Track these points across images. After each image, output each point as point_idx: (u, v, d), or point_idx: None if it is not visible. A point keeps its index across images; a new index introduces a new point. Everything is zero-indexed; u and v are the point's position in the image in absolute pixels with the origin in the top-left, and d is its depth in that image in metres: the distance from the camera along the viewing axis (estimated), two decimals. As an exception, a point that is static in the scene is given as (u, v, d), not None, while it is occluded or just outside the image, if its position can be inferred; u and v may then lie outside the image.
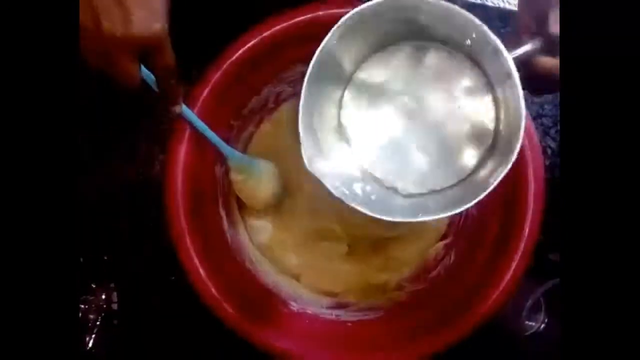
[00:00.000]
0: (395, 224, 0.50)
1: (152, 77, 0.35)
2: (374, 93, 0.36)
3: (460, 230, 0.50)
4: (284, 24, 0.42)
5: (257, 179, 0.48)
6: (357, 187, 0.35)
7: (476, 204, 0.48)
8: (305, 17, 0.42)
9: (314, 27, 0.43)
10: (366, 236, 0.51)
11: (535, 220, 0.42)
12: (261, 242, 0.51)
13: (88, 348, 0.54)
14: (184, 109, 0.39)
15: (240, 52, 0.42)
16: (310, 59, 0.46)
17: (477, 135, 0.35)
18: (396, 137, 0.36)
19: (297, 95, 0.52)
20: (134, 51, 0.32)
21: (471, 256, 0.47)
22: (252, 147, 0.53)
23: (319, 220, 0.51)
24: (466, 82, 0.35)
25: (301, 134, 0.33)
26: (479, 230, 0.47)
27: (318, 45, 0.45)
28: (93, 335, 0.54)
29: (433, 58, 0.35)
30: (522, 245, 0.42)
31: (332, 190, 0.32)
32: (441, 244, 0.52)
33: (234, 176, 0.47)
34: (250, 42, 0.42)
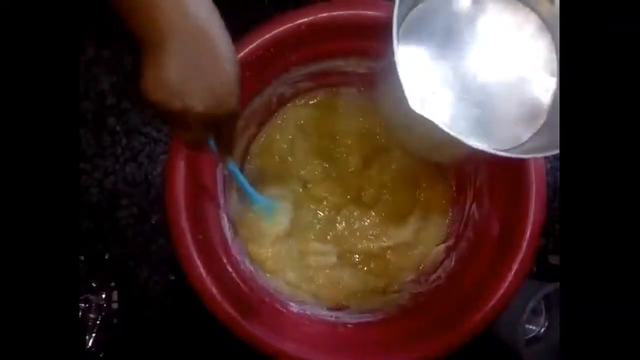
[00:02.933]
0: (395, 233, 0.51)
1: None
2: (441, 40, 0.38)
3: (461, 233, 0.50)
4: (287, 26, 0.42)
5: (272, 223, 0.50)
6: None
7: (477, 206, 0.48)
8: (308, 19, 0.42)
9: (316, 29, 0.43)
10: (358, 250, 0.52)
11: (537, 224, 0.41)
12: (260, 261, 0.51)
13: (88, 347, 0.54)
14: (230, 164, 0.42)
15: (242, 53, 0.42)
16: (312, 60, 0.47)
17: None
18: (470, 89, 0.38)
19: (299, 95, 0.53)
20: (208, 123, 0.34)
21: (472, 260, 0.47)
22: (254, 149, 0.53)
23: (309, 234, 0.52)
24: (528, 28, 0.37)
25: (404, 82, 0.34)
26: (479, 234, 0.47)
27: (319, 48, 0.45)
28: (93, 335, 0.54)
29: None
30: (523, 249, 0.41)
31: (444, 128, 0.33)
32: (442, 246, 0.52)
33: (249, 215, 0.49)
34: (252, 43, 0.42)
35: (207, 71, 0.32)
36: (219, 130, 0.36)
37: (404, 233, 0.52)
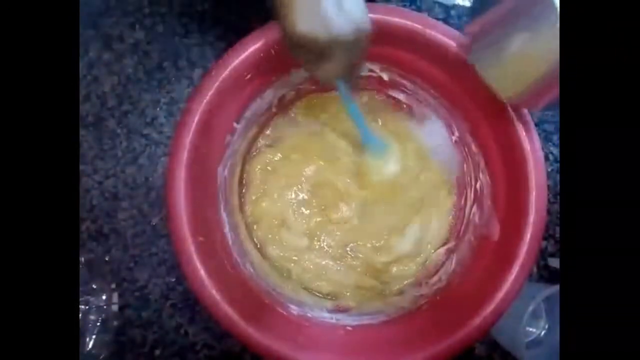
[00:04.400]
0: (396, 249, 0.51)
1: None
2: None
3: (462, 236, 0.50)
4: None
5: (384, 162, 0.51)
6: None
7: (477, 209, 0.48)
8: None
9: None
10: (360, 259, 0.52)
11: (537, 226, 0.41)
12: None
13: (88, 349, 0.54)
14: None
15: (244, 54, 0.42)
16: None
17: None
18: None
19: (300, 98, 0.53)
20: (350, 52, 0.36)
21: (472, 262, 0.47)
22: (254, 150, 0.53)
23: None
24: None
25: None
26: (480, 237, 0.47)
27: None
28: (93, 336, 0.54)
29: None
30: (523, 252, 0.41)
31: None
32: (442, 249, 0.51)
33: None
34: (254, 44, 0.42)
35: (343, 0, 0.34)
36: (350, 66, 0.38)
37: (405, 245, 0.51)
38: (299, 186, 0.52)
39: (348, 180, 0.52)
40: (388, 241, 0.51)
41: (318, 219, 0.52)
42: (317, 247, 0.51)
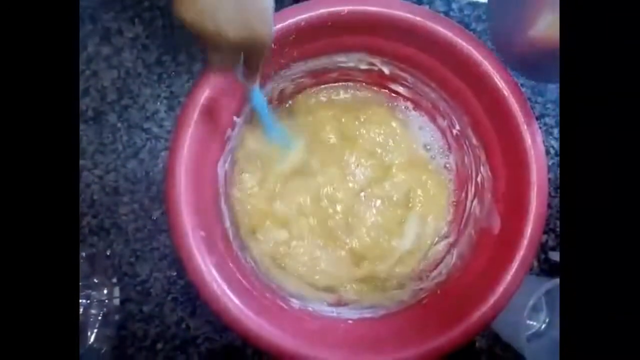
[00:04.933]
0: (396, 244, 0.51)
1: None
2: None
3: (462, 230, 0.50)
4: (287, 22, 0.42)
5: (286, 155, 0.51)
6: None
7: (478, 203, 0.48)
8: (308, 15, 0.42)
9: (317, 25, 0.43)
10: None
11: (538, 220, 0.41)
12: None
13: (90, 343, 0.54)
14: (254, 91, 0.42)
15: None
16: (312, 56, 0.47)
17: None
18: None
19: (300, 92, 0.53)
20: (238, 49, 0.34)
21: (473, 256, 0.47)
22: (244, 148, 0.53)
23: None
24: None
25: None
26: (480, 230, 0.47)
27: (320, 43, 0.45)
28: (95, 330, 0.55)
29: None
30: (524, 245, 0.41)
31: None
32: (443, 243, 0.52)
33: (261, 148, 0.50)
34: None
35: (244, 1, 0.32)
36: (248, 57, 0.36)
37: (406, 243, 0.51)
38: (293, 178, 0.52)
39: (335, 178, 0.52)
40: (389, 243, 0.51)
41: (308, 212, 0.52)
42: (306, 240, 0.51)
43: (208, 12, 0.31)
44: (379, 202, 0.52)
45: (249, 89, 0.41)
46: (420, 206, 0.52)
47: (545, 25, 0.33)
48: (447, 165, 0.54)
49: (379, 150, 0.52)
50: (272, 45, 0.36)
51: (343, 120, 0.52)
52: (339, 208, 0.51)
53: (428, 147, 0.54)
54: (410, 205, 0.52)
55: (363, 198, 0.52)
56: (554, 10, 0.32)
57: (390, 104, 0.54)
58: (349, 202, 0.51)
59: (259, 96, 0.43)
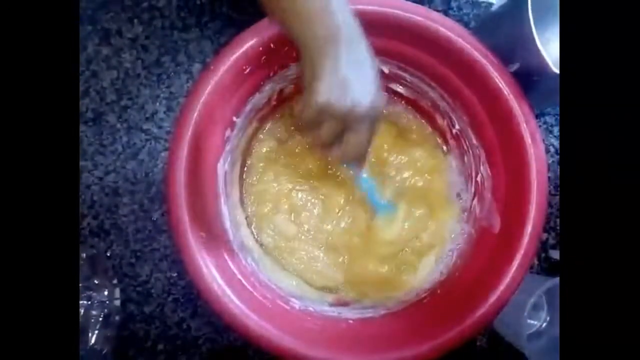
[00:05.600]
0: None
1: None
2: None
3: (462, 229, 0.50)
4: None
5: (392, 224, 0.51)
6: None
7: (478, 202, 0.48)
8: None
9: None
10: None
11: (538, 219, 0.41)
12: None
13: (91, 344, 0.54)
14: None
15: (242, 49, 0.42)
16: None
17: None
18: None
19: (300, 92, 0.53)
20: (367, 121, 0.37)
21: (473, 255, 0.47)
22: (255, 146, 0.53)
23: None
24: None
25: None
26: (481, 229, 0.47)
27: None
28: (96, 331, 0.55)
29: None
30: (524, 244, 0.41)
31: None
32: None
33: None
34: (252, 39, 0.42)
35: (363, 72, 0.36)
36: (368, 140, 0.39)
37: (418, 281, 0.51)
38: (298, 179, 0.52)
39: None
40: (399, 277, 0.50)
41: (314, 212, 0.52)
42: (306, 237, 0.51)
43: (341, 90, 0.34)
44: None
45: (357, 174, 0.44)
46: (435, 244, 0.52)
47: None
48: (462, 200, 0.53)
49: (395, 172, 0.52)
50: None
51: None
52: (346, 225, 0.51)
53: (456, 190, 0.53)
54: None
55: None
56: None
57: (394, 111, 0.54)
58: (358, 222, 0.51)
59: (367, 179, 0.45)
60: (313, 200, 0.52)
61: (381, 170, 0.52)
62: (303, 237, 0.51)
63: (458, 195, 0.52)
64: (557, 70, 0.42)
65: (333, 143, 0.38)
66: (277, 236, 0.51)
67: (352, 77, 0.35)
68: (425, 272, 0.50)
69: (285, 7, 0.34)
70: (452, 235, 0.51)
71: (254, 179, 0.52)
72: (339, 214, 0.51)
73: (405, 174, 0.52)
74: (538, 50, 0.42)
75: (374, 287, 0.50)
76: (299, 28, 0.35)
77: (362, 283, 0.50)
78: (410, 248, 0.51)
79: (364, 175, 0.46)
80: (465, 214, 0.51)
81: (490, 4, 0.62)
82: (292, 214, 0.51)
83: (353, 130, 0.37)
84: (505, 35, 0.48)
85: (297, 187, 0.52)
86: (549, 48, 0.45)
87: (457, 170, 0.52)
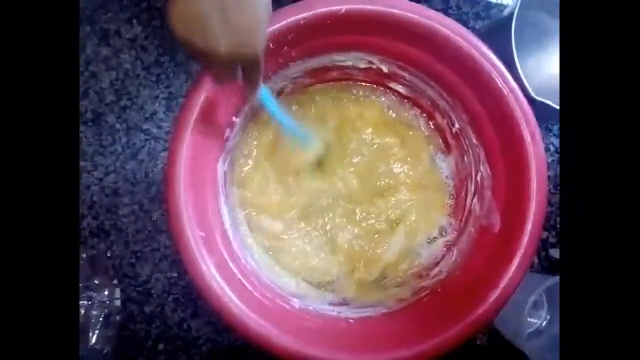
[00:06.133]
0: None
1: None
2: None
3: (462, 227, 0.50)
4: (285, 21, 0.42)
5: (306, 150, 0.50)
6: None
7: (478, 200, 0.48)
8: (306, 14, 0.42)
9: (315, 24, 0.42)
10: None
11: (538, 217, 0.41)
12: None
13: (92, 344, 0.54)
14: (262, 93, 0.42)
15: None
16: (311, 56, 0.47)
17: None
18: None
19: (298, 91, 0.53)
20: (231, 62, 0.34)
21: (473, 254, 0.47)
22: (256, 146, 0.53)
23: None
24: None
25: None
26: (481, 228, 0.47)
27: (318, 42, 0.45)
28: (96, 331, 0.55)
29: None
30: (524, 243, 0.41)
31: None
32: (442, 241, 0.52)
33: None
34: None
35: (231, 13, 0.31)
36: (244, 68, 0.35)
37: (390, 255, 0.52)
38: (288, 177, 0.52)
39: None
40: (374, 252, 0.51)
41: (302, 207, 0.52)
42: (296, 233, 0.51)
43: (197, 28, 0.31)
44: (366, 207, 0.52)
45: (255, 96, 0.41)
46: (406, 219, 0.52)
47: None
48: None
49: (381, 162, 0.53)
50: (263, 57, 0.35)
51: (342, 122, 0.53)
52: (331, 213, 0.52)
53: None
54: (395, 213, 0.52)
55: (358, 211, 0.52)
56: None
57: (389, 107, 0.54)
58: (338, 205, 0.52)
59: (268, 98, 0.42)
60: (302, 197, 0.52)
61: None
62: (292, 234, 0.51)
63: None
64: (535, 96, 0.44)
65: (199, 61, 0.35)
66: (267, 234, 0.51)
67: (213, 16, 0.31)
68: (398, 249, 0.51)
69: None
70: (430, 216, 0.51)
71: (250, 176, 0.52)
72: (326, 210, 0.52)
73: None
74: (519, 75, 0.45)
75: (356, 260, 0.51)
76: None
77: (347, 257, 0.51)
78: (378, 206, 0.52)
79: (264, 91, 0.42)
80: (451, 208, 0.51)
81: (489, 3, 0.62)
82: (281, 212, 0.51)
83: (215, 65, 0.34)
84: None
85: (288, 185, 0.52)
86: (529, 75, 0.47)
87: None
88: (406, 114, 0.54)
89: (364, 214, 0.52)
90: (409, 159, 0.53)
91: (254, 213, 0.51)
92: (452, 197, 0.53)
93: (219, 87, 0.41)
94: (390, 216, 0.52)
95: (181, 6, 0.31)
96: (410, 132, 0.54)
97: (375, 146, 0.53)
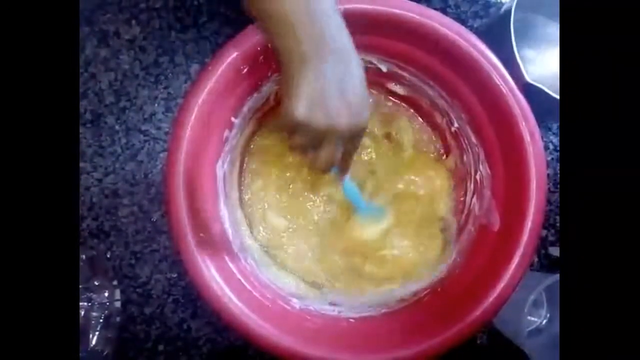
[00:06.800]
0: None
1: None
2: None
3: (462, 226, 0.50)
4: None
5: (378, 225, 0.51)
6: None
7: (478, 200, 0.48)
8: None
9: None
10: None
11: (538, 216, 0.41)
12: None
13: (92, 345, 0.54)
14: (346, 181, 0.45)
15: (240, 49, 0.42)
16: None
17: None
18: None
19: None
20: (345, 139, 0.36)
21: (473, 252, 0.47)
22: (254, 145, 0.53)
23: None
24: None
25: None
26: (480, 227, 0.47)
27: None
28: (97, 333, 0.55)
29: None
30: (524, 242, 0.41)
31: None
32: (441, 238, 0.52)
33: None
34: (250, 39, 0.42)
35: (344, 87, 0.34)
36: (346, 148, 0.38)
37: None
38: (290, 177, 0.52)
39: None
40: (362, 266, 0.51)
41: (303, 209, 0.52)
42: (293, 233, 0.51)
43: (320, 109, 0.33)
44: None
45: (343, 179, 0.43)
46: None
47: None
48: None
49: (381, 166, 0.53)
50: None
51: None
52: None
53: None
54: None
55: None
56: None
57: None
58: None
59: (350, 185, 0.45)
60: (301, 198, 0.52)
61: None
62: (291, 232, 0.51)
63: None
64: (530, 81, 0.45)
65: (307, 150, 0.37)
66: (269, 231, 0.51)
67: (333, 94, 0.33)
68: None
69: (269, 10, 0.33)
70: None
71: (251, 178, 0.52)
72: (324, 211, 0.52)
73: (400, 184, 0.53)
74: (518, 66, 0.45)
75: (342, 276, 0.51)
76: (283, 35, 0.33)
77: (330, 271, 0.51)
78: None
79: (347, 181, 0.45)
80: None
81: (488, 2, 0.62)
82: (282, 210, 0.52)
83: (327, 144, 0.36)
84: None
85: (289, 185, 0.52)
86: (527, 66, 0.49)
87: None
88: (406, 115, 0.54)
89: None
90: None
91: (262, 209, 0.51)
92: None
93: (323, 174, 0.44)
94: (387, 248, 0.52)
95: (305, 89, 0.33)
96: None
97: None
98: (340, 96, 0.34)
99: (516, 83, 0.43)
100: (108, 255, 0.57)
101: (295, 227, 0.52)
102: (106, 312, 0.55)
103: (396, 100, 0.54)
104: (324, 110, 0.33)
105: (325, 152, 0.36)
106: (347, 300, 0.49)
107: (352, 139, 0.37)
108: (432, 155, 0.54)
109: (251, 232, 0.51)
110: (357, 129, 0.36)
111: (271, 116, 0.53)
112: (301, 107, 0.33)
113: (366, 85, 0.36)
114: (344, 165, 0.41)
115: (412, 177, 0.53)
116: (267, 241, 0.51)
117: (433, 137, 0.55)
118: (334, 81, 0.33)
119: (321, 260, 0.51)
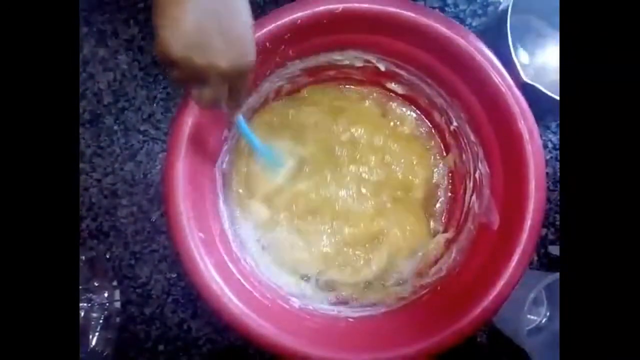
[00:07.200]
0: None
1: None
2: None
3: (461, 225, 0.50)
4: (283, 20, 0.42)
5: (277, 174, 0.51)
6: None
7: (477, 198, 0.48)
8: (304, 13, 0.42)
9: (312, 23, 0.42)
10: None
11: (537, 214, 0.41)
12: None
13: (92, 346, 0.54)
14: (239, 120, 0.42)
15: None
16: (308, 55, 0.47)
17: None
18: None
19: (298, 91, 0.53)
20: (228, 78, 0.33)
21: (473, 252, 0.47)
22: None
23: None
24: None
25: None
26: (480, 225, 0.47)
27: (316, 41, 0.45)
28: (96, 333, 0.55)
29: None
30: (523, 240, 0.41)
31: None
32: (442, 239, 0.52)
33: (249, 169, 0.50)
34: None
35: (225, 23, 0.31)
36: (233, 85, 0.35)
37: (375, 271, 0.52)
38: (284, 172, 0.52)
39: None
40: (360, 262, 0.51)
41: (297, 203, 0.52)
42: (283, 222, 0.51)
43: (197, 46, 0.30)
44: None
45: (234, 118, 0.41)
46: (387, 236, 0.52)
47: None
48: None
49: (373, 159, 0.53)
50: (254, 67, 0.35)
51: (337, 124, 0.53)
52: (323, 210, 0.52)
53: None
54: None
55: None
56: None
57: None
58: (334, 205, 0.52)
59: (243, 122, 0.42)
60: (295, 191, 0.52)
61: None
62: (283, 225, 0.51)
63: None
64: (527, 79, 0.45)
65: (189, 84, 0.34)
66: (255, 224, 0.51)
67: (211, 31, 0.30)
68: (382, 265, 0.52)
69: None
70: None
71: (247, 172, 0.52)
72: (314, 204, 0.52)
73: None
74: (515, 66, 0.45)
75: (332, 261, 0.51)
76: None
77: (321, 257, 0.51)
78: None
79: (240, 119, 0.42)
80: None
81: (486, 0, 0.62)
82: (274, 204, 0.52)
83: (209, 82, 0.33)
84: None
85: (283, 180, 0.52)
86: (524, 66, 0.49)
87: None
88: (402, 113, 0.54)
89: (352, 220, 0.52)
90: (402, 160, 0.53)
91: (245, 199, 0.51)
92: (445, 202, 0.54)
93: (206, 111, 0.40)
94: (374, 227, 0.52)
95: (176, 26, 0.30)
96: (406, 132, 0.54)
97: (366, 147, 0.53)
98: (218, 32, 0.31)
99: (514, 82, 0.43)
100: (107, 256, 0.57)
101: (284, 221, 0.51)
102: (106, 312, 0.55)
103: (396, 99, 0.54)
104: (201, 48, 0.30)
105: (208, 89, 0.33)
106: (345, 288, 0.50)
107: (237, 78, 0.34)
108: (427, 147, 0.55)
109: (250, 231, 0.51)
110: (241, 69, 0.33)
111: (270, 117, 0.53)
112: (175, 45, 0.30)
113: (252, 24, 0.33)
114: (233, 103, 0.37)
115: (393, 148, 0.53)
116: (262, 235, 0.51)
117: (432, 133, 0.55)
118: (210, 15, 0.30)
119: (312, 246, 0.51)
